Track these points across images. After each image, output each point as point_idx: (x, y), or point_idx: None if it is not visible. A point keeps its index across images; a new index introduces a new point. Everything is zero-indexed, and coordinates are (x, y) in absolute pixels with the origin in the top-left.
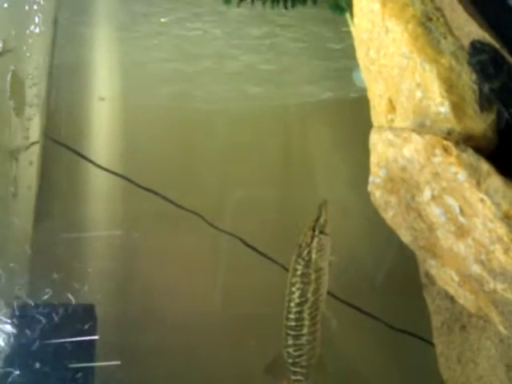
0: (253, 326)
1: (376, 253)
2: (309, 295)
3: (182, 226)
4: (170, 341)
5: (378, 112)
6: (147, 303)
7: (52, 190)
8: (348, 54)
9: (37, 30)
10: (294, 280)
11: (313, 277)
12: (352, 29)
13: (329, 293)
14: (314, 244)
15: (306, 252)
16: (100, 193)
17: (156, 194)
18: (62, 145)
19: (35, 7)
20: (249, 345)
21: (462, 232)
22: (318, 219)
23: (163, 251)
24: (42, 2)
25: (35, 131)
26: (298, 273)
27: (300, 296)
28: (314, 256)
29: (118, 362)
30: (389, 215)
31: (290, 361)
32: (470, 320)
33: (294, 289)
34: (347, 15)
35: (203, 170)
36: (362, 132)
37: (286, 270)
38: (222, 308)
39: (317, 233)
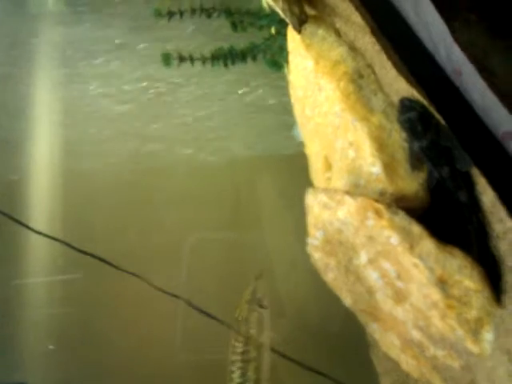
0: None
1: (324, 306)
2: (250, 374)
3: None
4: None
5: (316, 169)
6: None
7: None
8: (288, 109)
9: None
10: (233, 358)
11: (252, 354)
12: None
13: (275, 350)
14: (253, 319)
15: (244, 328)
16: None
17: (95, 257)
18: None
19: None
20: None
21: (399, 297)
22: (254, 291)
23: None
24: None
25: None
26: (238, 351)
27: (241, 376)
28: (252, 331)
29: None
30: (329, 277)
31: None
32: (417, 383)
33: (234, 368)
34: (285, 71)
35: (147, 225)
36: (303, 188)
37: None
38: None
39: (254, 306)
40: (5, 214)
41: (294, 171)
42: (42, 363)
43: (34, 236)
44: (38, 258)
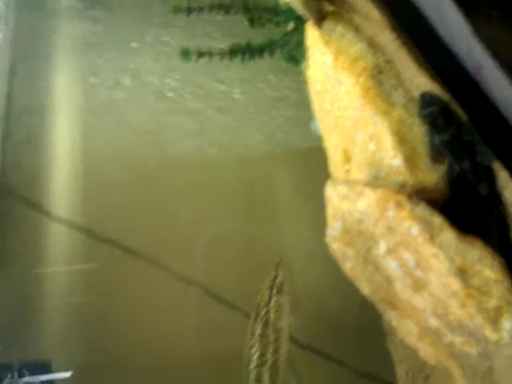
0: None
1: (340, 297)
2: (268, 356)
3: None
4: None
5: (335, 162)
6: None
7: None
8: (306, 103)
9: None
10: (252, 341)
11: (272, 338)
12: (308, 80)
13: (293, 339)
14: (272, 304)
15: (263, 312)
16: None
17: (113, 243)
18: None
19: None
20: None
21: (418, 286)
22: (275, 278)
23: (125, 299)
24: None
25: None
26: (257, 334)
27: (259, 357)
28: (272, 316)
29: None
30: (347, 267)
31: None
32: (433, 371)
33: (253, 350)
34: (303, 66)
35: (164, 217)
36: (322, 180)
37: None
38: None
39: (274, 292)
40: (25, 202)
41: (311, 165)
42: (63, 346)
43: (54, 224)
44: (59, 246)
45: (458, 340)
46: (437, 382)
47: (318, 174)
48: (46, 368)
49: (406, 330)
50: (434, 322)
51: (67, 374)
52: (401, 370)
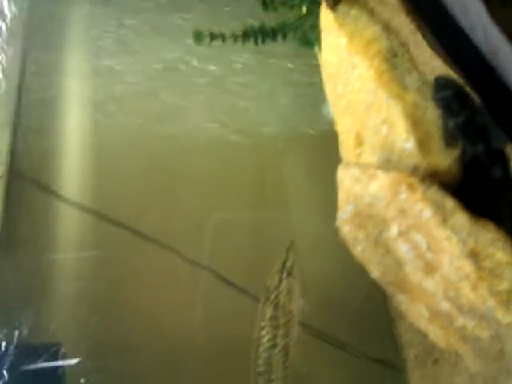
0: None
1: (348, 282)
2: (278, 339)
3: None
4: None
5: (347, 146)
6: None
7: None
8: (319, 87)
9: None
10: (262, 324)
11: (282, 320)
12: (321, 63)
13: (301, 325)
14: (282, 287)
15: (274, 295)
16: (67, 228)
17: (125, 227)
18: (27, 179)
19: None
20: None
21: (429, 268)
22: (285, 261)
23: (136, 282)
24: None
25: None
26: (267, 317)
27: (269, 340)
28: (282, 299)
29: None
30: (357, 250)
31: None
32: (442, 354)
33: (263, 333)
34: (316, 49)
35: (174, 201)
36: (332, 165)
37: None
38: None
39: (285, 275)
40: (36, 184)
41: (322, 149)
42: (74, 330)
43: (64, 206)
44: (69, 228)
45: (469, 323)
46: (446, 365)
47: (328, 158)
48: (55, 351)
49: (416, 313)
50: (445, 305)
51: (74, 361)
52: (409, 354)
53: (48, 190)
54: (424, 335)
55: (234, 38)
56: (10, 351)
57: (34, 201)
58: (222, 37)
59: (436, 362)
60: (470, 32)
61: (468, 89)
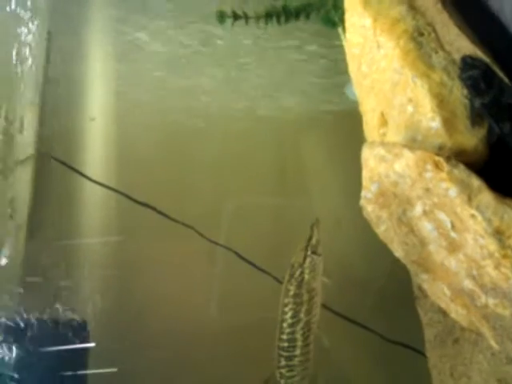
0: (247, 338)
1: (370, 263)
2: (301, 316)
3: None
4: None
5: (371, 126)
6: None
7: (46, 206)
8: (341, 67)
9: (31, 40)
10: (286, 300)
11: (305, 297)
12: (344, 43)
13: (322, 305)
14: (307, 264)
15: (298, 272)
16: (94, 206)
17: (150, 207)
18: (55, 160)
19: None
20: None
21: (453, 247)
22: (310, 239)
23: (157, 263)
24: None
25: (28, 147)
26: (291, 293)
27: (292, 317)
28: (306, 276)
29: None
30: (381, 230)
31: (283, 382)
32: (462, 333)
33: (286, 309)
34: (339, 29)
35: (197, 183)
36: (355, 145)
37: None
38: (215, 319)
39: (309, 253)
40: (62, 163)
41: (345, 129)
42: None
43: (91, 186)
44: (97, 209)
45: (492, 302)
46: (466, 344)
47: (351, 138)
48: (82, 327)
49: (438, 292)
50: (467, 283)
51: (92, 344)
52: (429, 334)
53: (75, 171)
54: (444, 315)
55: (257, 18)
56: (37, 328)
57: (61, 181)
58: (245, 17)
59: (456, 341)
60: (499, 12)
61: (495, 68)
